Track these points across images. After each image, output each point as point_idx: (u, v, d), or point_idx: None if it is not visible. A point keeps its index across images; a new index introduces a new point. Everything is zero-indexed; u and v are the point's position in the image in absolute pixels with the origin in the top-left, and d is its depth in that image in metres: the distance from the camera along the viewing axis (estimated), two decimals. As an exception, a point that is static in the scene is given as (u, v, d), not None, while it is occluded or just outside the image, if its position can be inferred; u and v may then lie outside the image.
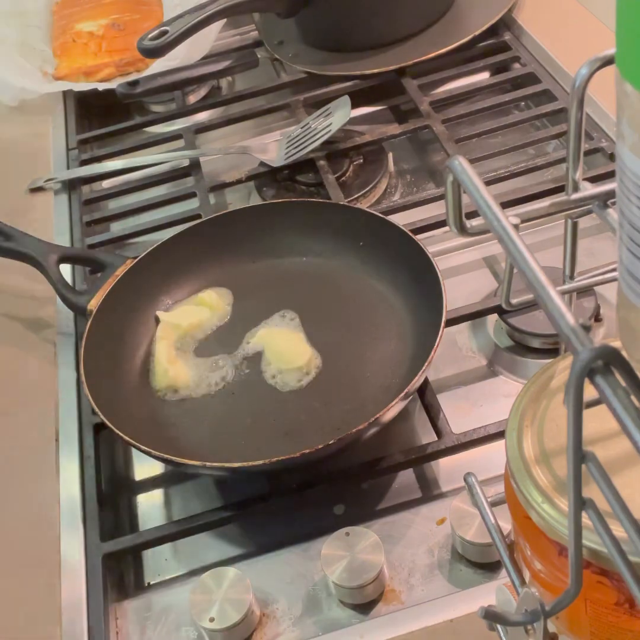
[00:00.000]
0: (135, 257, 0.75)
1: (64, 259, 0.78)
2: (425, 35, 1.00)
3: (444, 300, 0.64)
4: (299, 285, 0.75)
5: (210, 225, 0.79)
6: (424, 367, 0.59)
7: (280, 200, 0.80)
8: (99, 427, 0.68)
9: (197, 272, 0.78)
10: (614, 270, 0.34)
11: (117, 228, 0.93)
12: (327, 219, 0.76)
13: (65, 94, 1.11)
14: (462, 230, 0.34)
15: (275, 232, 0.78)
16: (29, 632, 0.58)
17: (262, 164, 0.91)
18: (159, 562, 0.63)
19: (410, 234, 0.70)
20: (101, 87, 1.05)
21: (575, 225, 0.39)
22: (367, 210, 0.76)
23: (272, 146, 0.92)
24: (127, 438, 0.59)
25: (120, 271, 0.74)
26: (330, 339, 0.70)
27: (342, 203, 0.80)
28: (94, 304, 0.72)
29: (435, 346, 0.60)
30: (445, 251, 0.79)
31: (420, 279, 0.68)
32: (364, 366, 0.67)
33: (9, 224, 0.80)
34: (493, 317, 0.72)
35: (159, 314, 0.74)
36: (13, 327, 0.81)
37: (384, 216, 0.73)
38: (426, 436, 0.64)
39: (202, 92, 1.10)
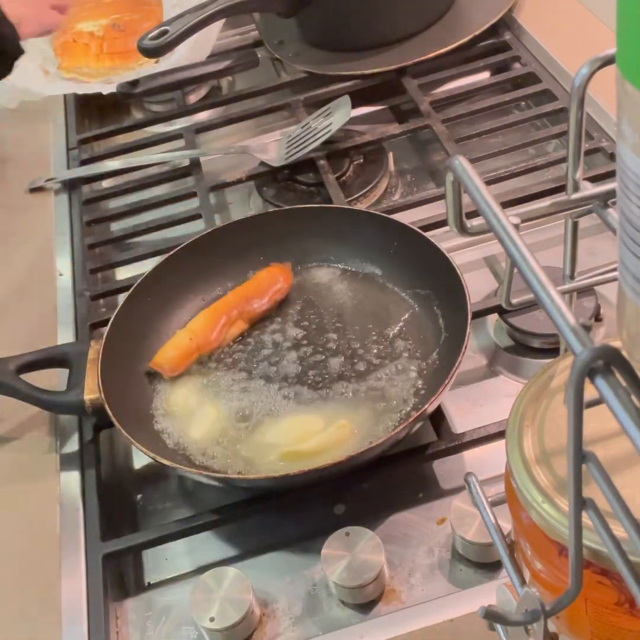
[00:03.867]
0: (100, 338, 0.69)
1: (23, 368, 0.68)
2: (425, 35, 1.00)
3: (468, 320, 0.63)
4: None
5: (223, 234, 0.78)
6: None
7: (306, 206, 0.80)
8: (99, 427, 0.68)
9: (211, 281, 0.77)
10: (614, 270, 0.34)
11: (117, 228, 0.93)
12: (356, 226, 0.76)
13: (65, 93, 1.11)
14: (462, 230, 0.34)
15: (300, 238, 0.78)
16: (29, 632, 0.58)
17: (262, 163, 0.91)
18: (159, 562, 0.63)
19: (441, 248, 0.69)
20: (105, 90, 1.05)
21: (575, 225, 0.39)
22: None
23: (272, 146, 0.92)
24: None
25: (94, 354, 0.68)
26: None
27: (373, 212, 0.78)
28: (90, 395, 0.66)
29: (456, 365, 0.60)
30: (446, 251, 0.79)
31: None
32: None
33: (9, 223, 0.80)
34: (493, 317, 0.72)
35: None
36: (12, 326, 0.81)
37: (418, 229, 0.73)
38: (426, 436, 0.64)
39: (202, 92, 1.10)
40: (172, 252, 0.75)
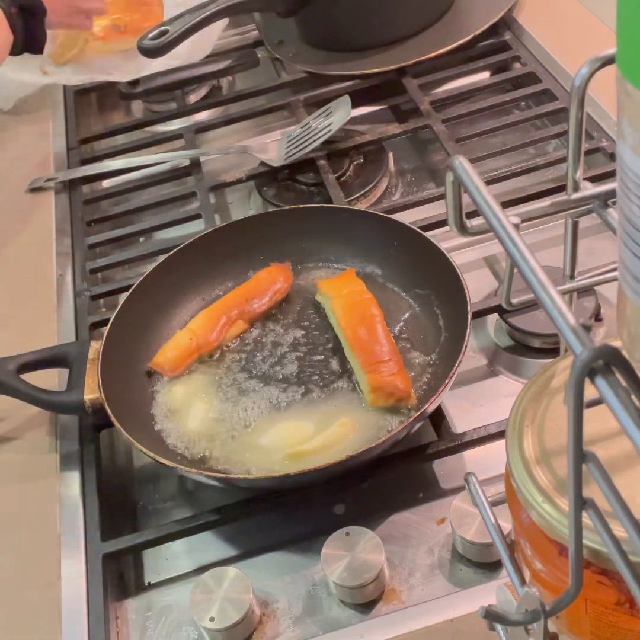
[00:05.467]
0: (100, 338, 0.69)
1: (23, 368, 0.68)
2: (426, 35, 1.00)
3: (468, 320, 0.63)
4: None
5: (226, 232, 0.78)
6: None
7: (304, 206, 0.80)
8: (99, 427, 0.68)
9: (210, 282, 0.77)
10: (614, 270, 0.34)
11: (117, 228, 0.93)
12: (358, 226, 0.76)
13: (66, 93, 1.11)
14: (463, 229, 0.34)
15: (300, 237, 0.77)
16: (29, 632, 0.58)
17: (262, 163, 0.91)
18: (159, 562, 0.63)
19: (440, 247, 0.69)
20: (102, 78, 1.05)
21: (575, 225, 0.39)
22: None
23: (273, 146, 0.92)
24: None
25: (94, 354, 0.68)
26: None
27: (373, 212, 0.78)
28: (90, 395, 0.65)
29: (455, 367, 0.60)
30: (446, 251, 0.79)
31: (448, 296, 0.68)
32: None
33: (9, 223, 0.80)
34: (493, 317, 0.72)
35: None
36: (12, 326, 0.81)
37: (418, 229, 0.72)
38: (426, 436, 0.64)
39: (202, 91, 1.10)
40: (172, 252, 0.75)
